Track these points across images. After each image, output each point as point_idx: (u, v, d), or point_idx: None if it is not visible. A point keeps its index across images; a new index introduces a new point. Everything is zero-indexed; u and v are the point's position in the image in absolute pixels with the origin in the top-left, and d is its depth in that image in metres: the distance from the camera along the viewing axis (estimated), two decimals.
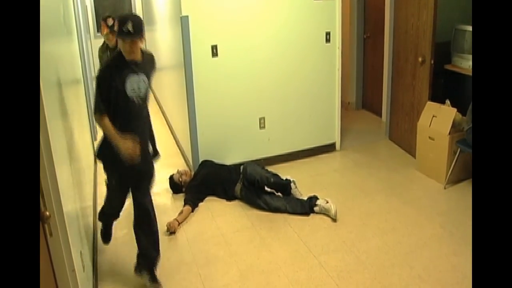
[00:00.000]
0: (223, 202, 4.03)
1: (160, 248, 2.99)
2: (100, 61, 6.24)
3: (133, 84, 2.70)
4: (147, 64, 2.84)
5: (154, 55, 3.01)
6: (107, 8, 9.48)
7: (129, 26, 2.55)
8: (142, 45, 2.73)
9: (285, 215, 3.74)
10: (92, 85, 6.58)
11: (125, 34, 2.57)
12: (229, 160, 4.46)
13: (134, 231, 2.92)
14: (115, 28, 2.67)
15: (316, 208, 3.74)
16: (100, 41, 6.33)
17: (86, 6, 8.34)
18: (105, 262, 3.27)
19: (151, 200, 2.94)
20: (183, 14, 4.02)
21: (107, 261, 3.29)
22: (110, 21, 3.75)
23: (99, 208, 3.59)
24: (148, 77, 2.83)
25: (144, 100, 2.82)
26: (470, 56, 4.30)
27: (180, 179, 4.20)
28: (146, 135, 2.96)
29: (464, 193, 3.95)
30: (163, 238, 3.36)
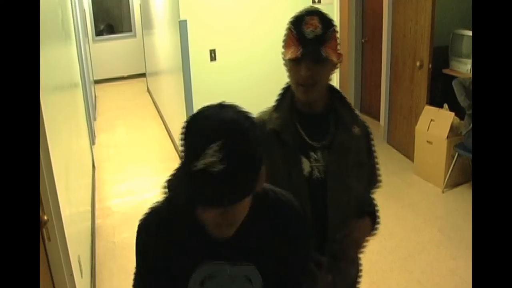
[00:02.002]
0: None
1: None
2: None
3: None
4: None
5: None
6: (105, 12, 9.49)
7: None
8: None
9: None
10: (90, 89, 6.55)
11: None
12: None
13: None
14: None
15: None
16: (100, 45, 5.95)
17: (85, 9, 8.35)
18: (103, 267, 3.26)
19: None
20: (182, 18, 4.02)
21: (106, 265, 3.28)
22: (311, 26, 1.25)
23: (97, 213, 3.56)
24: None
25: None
26: (468, 60, 4.32)
27: None
28: None
29: (462, 197, 3.95)
30: None
